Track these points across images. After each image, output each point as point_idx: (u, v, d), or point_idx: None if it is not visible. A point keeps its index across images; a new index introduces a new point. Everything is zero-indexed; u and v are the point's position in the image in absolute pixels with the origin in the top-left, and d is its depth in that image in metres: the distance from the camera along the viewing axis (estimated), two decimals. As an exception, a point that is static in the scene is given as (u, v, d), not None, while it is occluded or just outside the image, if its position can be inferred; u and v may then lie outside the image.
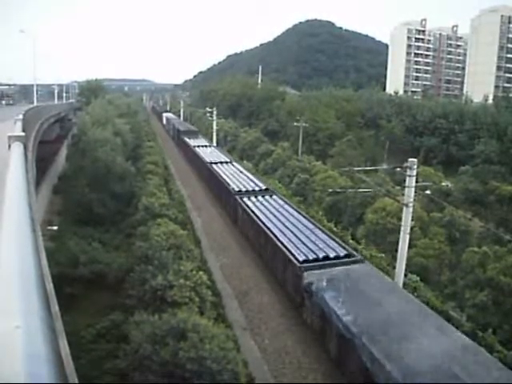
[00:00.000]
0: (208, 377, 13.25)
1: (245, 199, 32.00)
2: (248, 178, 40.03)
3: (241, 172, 42.80)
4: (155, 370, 13.31)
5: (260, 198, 32.90)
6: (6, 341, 1.66)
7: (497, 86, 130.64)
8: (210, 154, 52.75)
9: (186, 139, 64.54)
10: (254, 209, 29.93)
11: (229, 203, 35.47)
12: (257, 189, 36.07)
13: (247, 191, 35.08)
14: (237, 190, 35.21)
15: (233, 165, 46.56)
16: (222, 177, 39.76)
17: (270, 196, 33.43)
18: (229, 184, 36.85)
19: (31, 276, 2.33)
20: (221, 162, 47.15)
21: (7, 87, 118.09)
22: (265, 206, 30.63)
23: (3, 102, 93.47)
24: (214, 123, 66.16)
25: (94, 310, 20.63)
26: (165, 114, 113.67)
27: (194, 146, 57.63)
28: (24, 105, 67.66)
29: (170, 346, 13.70)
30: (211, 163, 45.89)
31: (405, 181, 21.60)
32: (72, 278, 22.03)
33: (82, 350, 16.31)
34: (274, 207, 30.32)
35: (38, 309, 1.94)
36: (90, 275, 23.03)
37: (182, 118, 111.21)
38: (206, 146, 58.96)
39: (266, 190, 36.06)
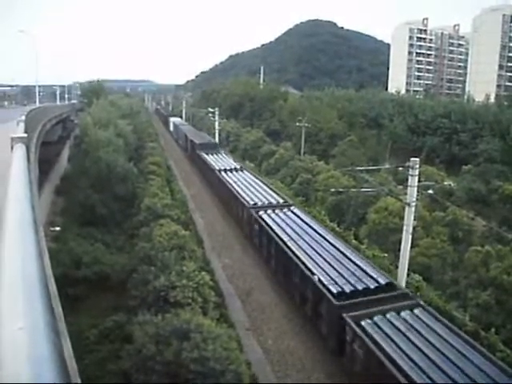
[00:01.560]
0: (211, 377, 13.25)
1: (364, 323, 16.24)
2: (342, 253, 22.41)
3: (317, 232, 25.22)
4: (159, 371, 13.32)
5: (390, 311, 16.87)
6: (9, 342, 1.66)
7: (499, 85, 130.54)
8: (247, 186, 36.24)
9: (205, 156, 50.00)
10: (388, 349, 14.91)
11: (313, 305, 19.64)
12: (372, 285, 19.00)
13: (359, 294, 18.40)
14: (336, 291, 18.44)
15: (294, 212, 28.96)
16: (290, 249, 22.77)
17: (412, 310, 17.11)
18: (310, 269, 20.53)
19: (34, 277, 2.33)
20: (274, 207, 30.01)
21: (9, 88, 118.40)
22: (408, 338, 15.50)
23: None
24: (216, 123, 66.02)
25: (97, 310, 20.64)
26: (172, 119, 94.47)
27: (220, 171, 41.54)
28: (16, 107, 67.28)
29: (174, 347, 13.71)
30: (256, 208, 29.66)
31: (407, 180, 21.57)
32: (75, 278, 22.06)
33: (86, 350, 16.33)
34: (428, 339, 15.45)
35: (41, 310, 1.95)
36: (92, 276, 23.06)
37: (184, 118, 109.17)
38: (236, 170, 42.91)
39: (390, 285, 19.30)
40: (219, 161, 48.25)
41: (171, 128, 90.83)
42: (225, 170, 41.96)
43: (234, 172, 41.68)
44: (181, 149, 73.12)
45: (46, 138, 30.51)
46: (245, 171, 42.59)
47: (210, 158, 48.89)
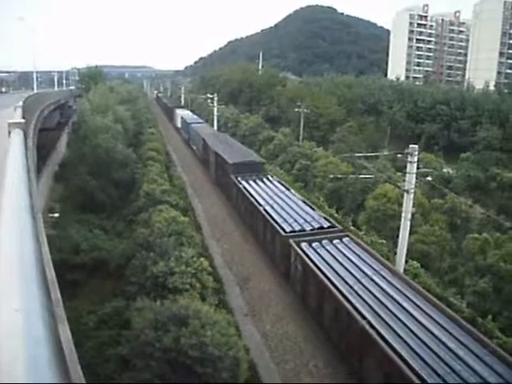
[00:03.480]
0: (210, 363, 13.32)
1: None
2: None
3: None
4: (157, 357, 13.38)
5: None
6: (5, 323, 1.66)
7: (499, 72, 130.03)
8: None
9: (247, 187, 31.75)
10: None
11: None
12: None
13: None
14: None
15: None
16: None
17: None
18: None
19: (31, 262, 2.33)
20: None
21: (7, 74, 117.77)
22: None
23: None
24: (215, 109, 65.74)
25: (96, 296, 20.71)
26: (179, 113, 74.77)
27: (297, 240, 21.74)
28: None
29: (172, 333, 13.76)
30: None
31: (406, 167, 21.58)
32: (74, 264, 22.09)
33: (84, 336, 16.40)
34: None
35: (38, 294, 1.95)
36: (91, 262, 23.10)
37: (182, 103, 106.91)
38: (331, 237, 22.24)
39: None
40: (277, 201, 28.84)
41: (178, 124, 72.08)
42: (303, 237, 22.29)
43: (329, 244, 21.42)
44: (195, 158, 55.03)
45: (43, 124, 30.39)
46: (352, 242, 21.67)
47: (258, 194, 30.20)
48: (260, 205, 28.03)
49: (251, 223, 29.60)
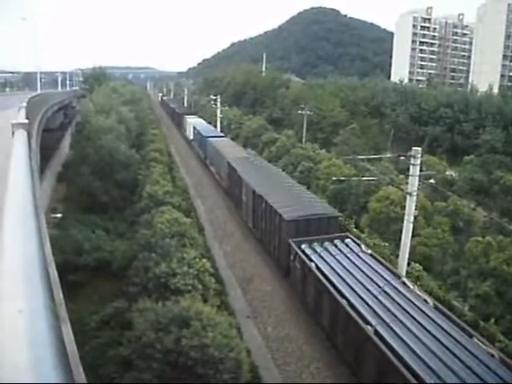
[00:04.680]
0: (211, 364, 13.31)
1: None
2: None
3: None
4: (158, 358, 13.38)
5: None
6: (8, 324, 1.67)
7: (502, 75, 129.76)
8: None
9: (324, 270, 18.85)
10: None
11: None
12: None
13: None
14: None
15: None
16: None
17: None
18: None
19: (34, 262, 2.34)
20: None
21: (11, 75, 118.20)
22: None
23: None
24: (218, 111, 65.75)
25: (98, 297, 20.75)
26: (191, 121, 64.01)
27: None
28: None
29: (173, 334, 13.76)
30: None
31: (409, 169, 21.52)
32: (76, 265, 22.14)
33: (87, 336, 16.42)
34: None
35: (41, 294, 1.96)
36: (94, 263, 23.13)
37: (185, 104, 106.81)
38: None
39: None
40: (386, 303, 16.13)
41: (190, 135, 61.41)
42: None
43: None
44: (214, 182, 43.43)
45: (47, 124, 30.44)
46: None
47: (348, 287, 17.65)
48: (365, 320, 15.22)
49: (343, 345, 16.78)
